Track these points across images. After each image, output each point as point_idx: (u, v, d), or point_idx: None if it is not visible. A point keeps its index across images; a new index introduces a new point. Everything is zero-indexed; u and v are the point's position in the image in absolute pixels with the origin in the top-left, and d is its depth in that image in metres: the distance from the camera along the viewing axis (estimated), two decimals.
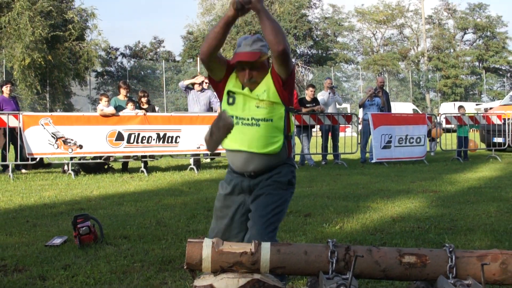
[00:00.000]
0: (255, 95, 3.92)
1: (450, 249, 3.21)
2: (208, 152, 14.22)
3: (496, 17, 65.10)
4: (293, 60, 52.87)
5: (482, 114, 19.62)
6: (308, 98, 15.68)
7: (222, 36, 3.81)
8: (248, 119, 3.91)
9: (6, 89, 14.03)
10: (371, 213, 8.04)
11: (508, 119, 18.54)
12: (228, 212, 4.10)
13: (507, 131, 18.52)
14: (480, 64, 65.01)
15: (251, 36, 3.97)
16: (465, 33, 66.34)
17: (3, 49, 36.86)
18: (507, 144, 18.55)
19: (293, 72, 3.99)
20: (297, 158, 15.82)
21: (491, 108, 24.78)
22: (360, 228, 7.04)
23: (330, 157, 16.62)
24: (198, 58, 39.59)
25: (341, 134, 17.46)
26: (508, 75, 65.64)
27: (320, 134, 16.61)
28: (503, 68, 65.81)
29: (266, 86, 3.91)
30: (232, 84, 4.02)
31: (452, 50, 64.43)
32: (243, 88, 3.97)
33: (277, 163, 3.99)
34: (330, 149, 16.45)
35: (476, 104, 44.34)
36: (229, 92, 4.02)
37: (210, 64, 3.95)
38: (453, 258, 3.17)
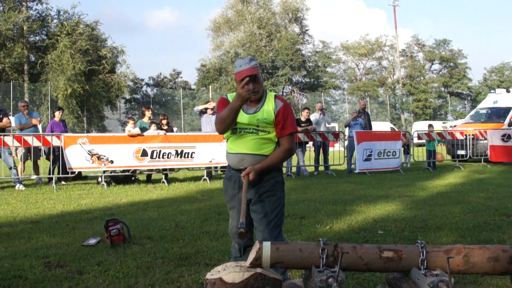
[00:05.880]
0: (255, 118, 4.01)
1: (422, 245, 3.19)
2: (219, 165, 14.20)
3: (457, 50, 65.36)
4: (290, 87, 53.23)
5: (447, 131, 19.59)
6: (303, 119, 15.72)
7: (232, 121, 3.94)
8: (249, 129, 4.02)
9: (58, 114, 14.41)
10: (356, 215, 8.02)
11: (469, 135, 18.57)
12: (234, 203, 4.17)
13: (468, 144, 18.53)
14: (445, 89, 65.08)
15: (246, 58, 4.06)
16: (432, 64, 66.44)
17: (49, 81, 37.12)
18: (468, 155, 18.56)
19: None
20: (294, 169, 15.79)
21: (455, 126, 24.80)
22: (346, 228, 7.02)
23: (321, 168, 16.59)
24: (210, 87, 39.45)
25: (331, 149, 17.45)
26: (469, 98, 65.76)
27: (313, 149, 16.59)
28: (464, 92, 65.93)
29: (267, 115, 4.02)
30: None
31: (422, 78, 64.42)
32: (243, 111, 4.05)
33: None
34: (321, 161, 16.43)
35: (443, 123, 44.31)
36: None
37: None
38: (424, 253, 3.15)
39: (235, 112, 3.89)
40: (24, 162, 13.41)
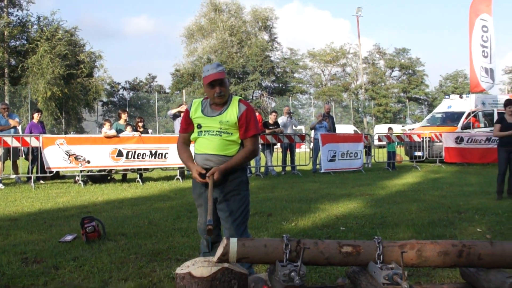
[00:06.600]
0: (218, 121, 4.05)
1: (378, 241, 3.23)
2: None
3: (416, 58, 65.84)
4: (259, 91, 53.28)
5: (405, 134, 19.85)
6: (271, 121, 15.75)
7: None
8: (213, 131, 4.06)
9: (36, 116, 14.24)
10: (320, 213, 8.07)
11: (426, 137, 18.85)
12: (201, 201, 4.17)
13: (425, 146, 18.81)
14: (405, 95, 65.69)
15: (213, 63, 4.13)
16: (392, 71, 66.99)
17: (29, 84, 36.61)
18: (425, 156, 18.83)
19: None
20: (262, 169, 15.81)
21: (413, 129, 25.14)
22: (311, 225, 7.06)
23: (288, 168, 16.63)
24: (184, 91, 39.21)
25: (297, 150, 17.50)
26: (426, 103, 66.50)
27: (281, 150, 16.64)
28: (422, 98, 66.58)
29: (230, 118, 4.05)
30: (197, 116, 4.18)
31: (383, 84, 65.01)
32: (207, 114, 4.12)
33: None
34: (288, 162, 16.48)
35: (402, 126, 44.81)
36: (198, 125, 4.18)
37: None
38: (381, 248, 3.19)
39: (185, 166, 4.23)
40: (3, 162, 13.17)
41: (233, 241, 3.16)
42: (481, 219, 7.43)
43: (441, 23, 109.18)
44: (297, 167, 16.52)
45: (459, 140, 18.30)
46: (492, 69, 20.92)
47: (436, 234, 6.28)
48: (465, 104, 22.05)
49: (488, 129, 20.49)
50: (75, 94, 38.69)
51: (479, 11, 21.03)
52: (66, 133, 33.68)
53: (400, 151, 23.42)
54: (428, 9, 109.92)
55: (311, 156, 17.05)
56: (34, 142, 12.46)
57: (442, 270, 4.59)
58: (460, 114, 21.63)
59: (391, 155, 18.17)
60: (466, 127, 20.80)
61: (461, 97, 23.38)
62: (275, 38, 57.90)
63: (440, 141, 18.71)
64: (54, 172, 12.85)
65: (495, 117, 20.18)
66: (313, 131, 17.11)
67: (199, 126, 4.13)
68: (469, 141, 18.29)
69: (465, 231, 6.57)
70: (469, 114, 21.31)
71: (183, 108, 14.49)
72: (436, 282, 4.27)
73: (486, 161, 18.14)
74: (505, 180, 9.82)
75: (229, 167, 3.99)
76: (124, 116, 14.27)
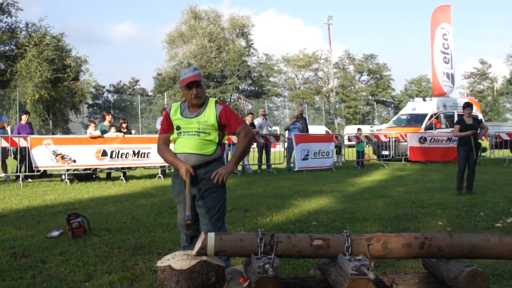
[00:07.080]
0: (196, 121, 4.04)
1: (347, 234, 3.25)
2: None
3: (382, 64, 66.56)
4: (237, 94, 53.23)
5: (373, 134, 20.02)
6: (247, 123, 15.69)
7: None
8: (192, 132, 4.04)
9: (24, 118, 14.04)
10: (293, 208, 8.10)
11: (392, 137, 19.04)
12: (181, 198, 4.15)
13: (391, 146, 18.99)
14: (372, 98, 66.29)
15: (190, 67, 4.17)
16: (361, 75, 67.54)
17: (18, 87, 36.13)
18: (391, 155, 19.01)
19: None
20: (239, 167, 15.81)
21: (380, 130, 25.37)
22: (285, 220, 7.08)
23: (264, 166, 16.67)
24: (165, 93, 38.84)
25: (272, 150, 17.55)
26: (392, 105, 67.14)
27: (257, 150, 16.66)
28: (388, 100, 67.28)
29: (208, 118, 4.03)
30: (176, 118, 4.15)
31: (352, 87, 65.45)
32: (185, 116, 4.10)
33: (211, 160, 4.07)
34: (264, 160, 16.51)
35: (370, 127, 45.17)
36: (177, 127, 4.14)
37: None
38: (349, 241, 3.21)
39: (172, 164, 4.16)
40: None
41: (211, 235, 3.16)
42: (442, 213, 7.54)
43: (406, 31, 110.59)
44: (272, 166, 16.56)
45: (422, 140, 18.53)
46: (452, 74, 21.24)
47: (401, 227, 6.35)
48: (428, 107, 22.33)
49: (449, 129, 20.78)
50: (62, 97, 38.26)
51: (440, 20, 21.37)
52: (53, 133, 33.27)
53: (368, 150, 23.61)
54: (395, 18, 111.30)
55: (285, 155, 17.10)
56: (22, 143, 12.32)
57: (406, 261, 4.65)
58: (424, 116, 21.89)
59: (360, 154, 18.32)
60: (429, 128, 21.08)
61: (424, 100, 23.65)
62: (252, 44, 57.88)
63: (405, 141, 18.91)
64: (41, 171, 12.71)
65: (455, 118, 20.46)
66: (287, 131, 17.16)
67: (178, 128, 4.11)
68: (432, 141, 18.54)
69: (427, 224, 6.66)
70: (431, 116, 21.60)
71: None
72: (401, 272, 4.30)
73: (447, 159, 18.41)
74: (464, 177, 9.97)
75: (234, 162, 4.12)
76: (108, 117, 14.15)
